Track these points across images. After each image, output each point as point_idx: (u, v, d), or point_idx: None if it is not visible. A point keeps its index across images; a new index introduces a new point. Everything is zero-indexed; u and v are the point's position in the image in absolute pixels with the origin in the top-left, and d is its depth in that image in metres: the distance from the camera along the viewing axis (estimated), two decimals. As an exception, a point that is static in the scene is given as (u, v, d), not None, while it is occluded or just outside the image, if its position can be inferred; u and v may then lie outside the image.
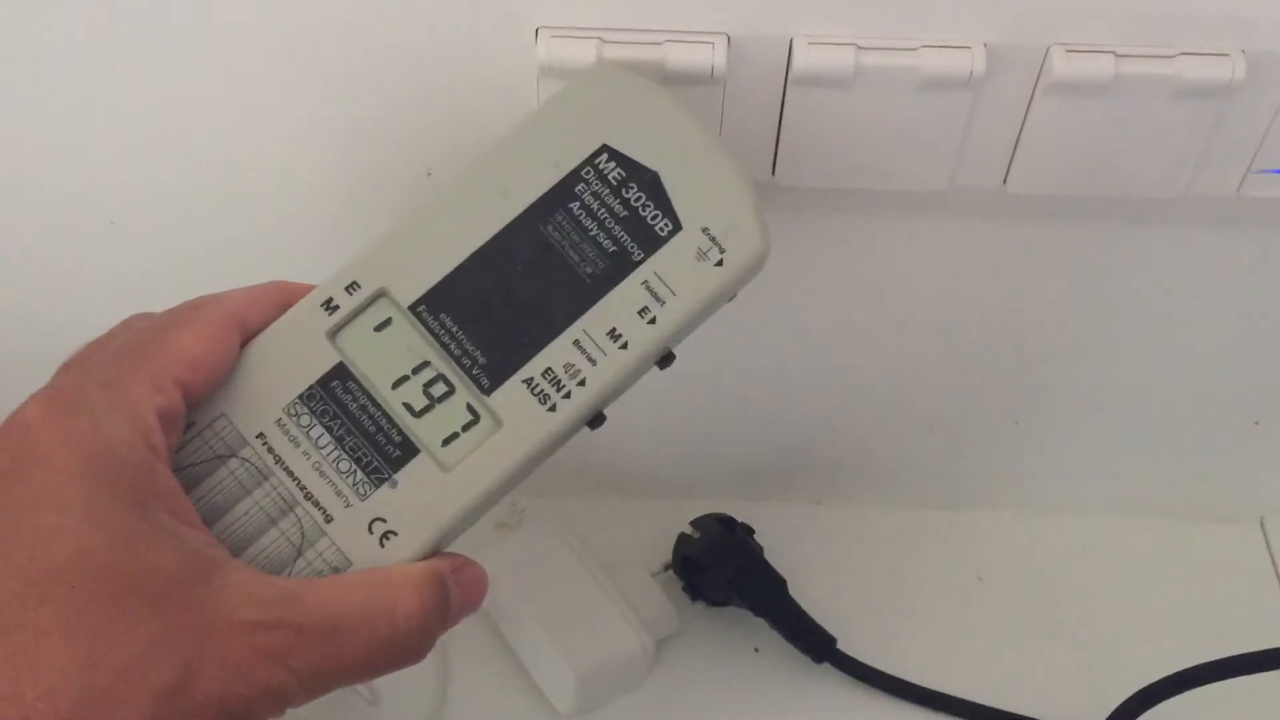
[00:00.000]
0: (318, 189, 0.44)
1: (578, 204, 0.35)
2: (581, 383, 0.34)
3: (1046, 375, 0.52)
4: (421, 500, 0.33)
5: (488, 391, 0.34)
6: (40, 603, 0.28)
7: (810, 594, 0.51)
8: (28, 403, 0.31)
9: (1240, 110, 0.40)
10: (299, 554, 0.33)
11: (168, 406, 0.32)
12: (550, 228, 0.35)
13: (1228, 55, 0.38)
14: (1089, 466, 0.55)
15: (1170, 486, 0.56)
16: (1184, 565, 0.56)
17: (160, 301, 0.35)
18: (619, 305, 0.34)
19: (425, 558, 0.33)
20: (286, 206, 0.45)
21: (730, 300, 0.36)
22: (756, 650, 0.53)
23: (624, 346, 0.34)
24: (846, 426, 0.54)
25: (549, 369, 0.34)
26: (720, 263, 0.34)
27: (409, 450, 0.34)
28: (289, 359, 0.34)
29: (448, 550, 0.34)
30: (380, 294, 0.34)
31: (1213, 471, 0.55)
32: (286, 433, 0.34)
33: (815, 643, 0.51)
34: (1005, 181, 0.42)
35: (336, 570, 0.33)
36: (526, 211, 0.35)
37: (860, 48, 0.38)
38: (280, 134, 0.43)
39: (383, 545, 0.33)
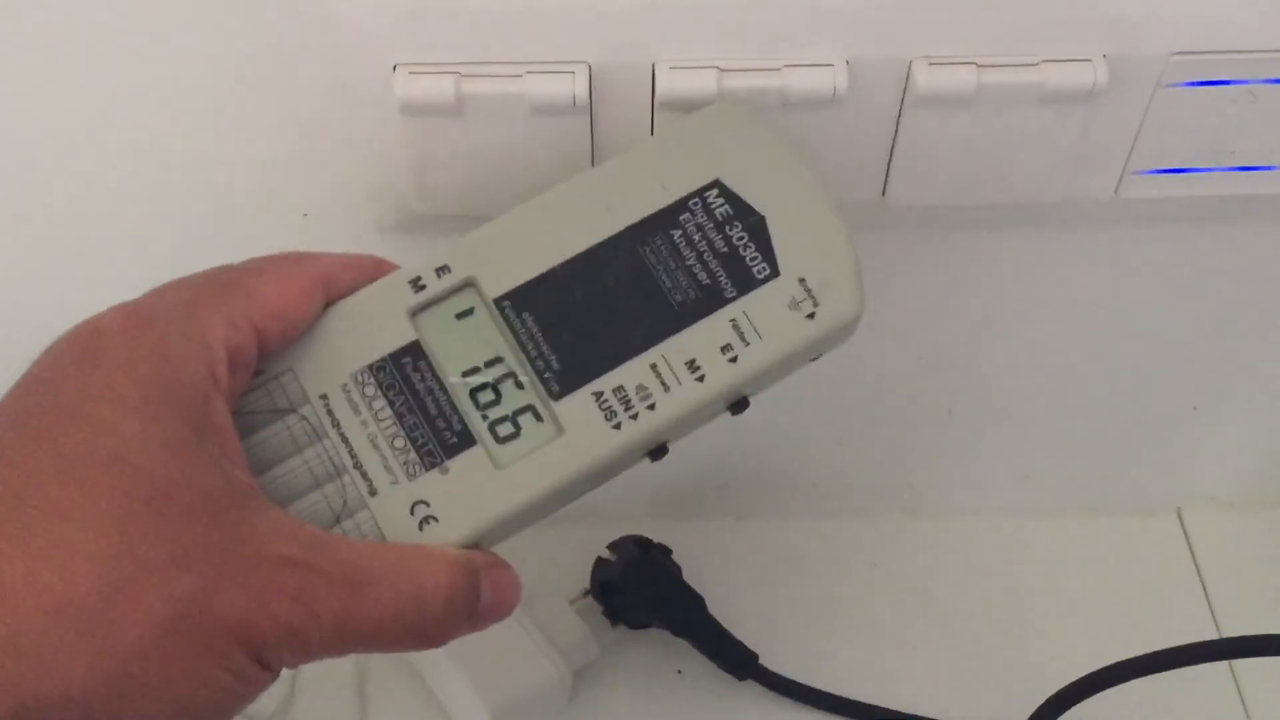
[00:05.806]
0: (192, 228, 0.44)
1: (679, 232, 0.34)
2: (651, 406, 0.33)
3: (950, 381, 0.52)
4: (469, 492, 0.33)
5: (556, 397, 0.33)
6: (76, 486, 0.27)
7: (731, 611, 0.51)
8: (105, 311, 0.31)
9: (1108, 113, 0.39)
10: (337, 520, 0.32)
11: (239, 344, 0.31)
12: (648, 250, 0.34)
13: (1089, 60, 0.38)
14: (1002, 469, 0.55)
15: (1084, 483, 0.56)
16: (1103, 561, 0.56)
17: None
18: (703, 338, 0.34)
19: None
20: (163, 253, 0.44)
21: (814, 360, 0.35)
22: (679, 672, 0.52)
23: (700, 379, 0.33)
24: (758, 442, 0.53)
25: (621, 387, 0.33)
26: (812, 315, 0.34)
27: (466, 440, 0.33)
28: (366, 327, 0.34)
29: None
30: (468, 283, 0.34)
31: (1127, 465, 0.55)
32: (349, 399, 0.33)
33: (737, 660, 0.51)
34: (884, 194, 0.42)
35: None
36: (627, 229, 0.34)
37: (722, 70, 0.38)
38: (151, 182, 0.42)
39: (421, 529, 0.32)
